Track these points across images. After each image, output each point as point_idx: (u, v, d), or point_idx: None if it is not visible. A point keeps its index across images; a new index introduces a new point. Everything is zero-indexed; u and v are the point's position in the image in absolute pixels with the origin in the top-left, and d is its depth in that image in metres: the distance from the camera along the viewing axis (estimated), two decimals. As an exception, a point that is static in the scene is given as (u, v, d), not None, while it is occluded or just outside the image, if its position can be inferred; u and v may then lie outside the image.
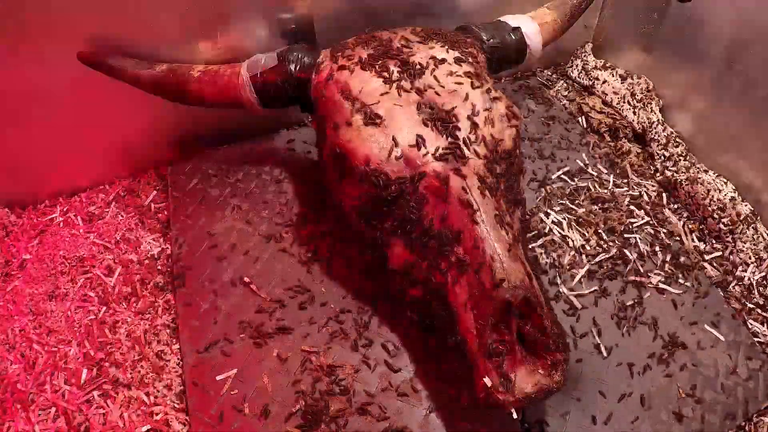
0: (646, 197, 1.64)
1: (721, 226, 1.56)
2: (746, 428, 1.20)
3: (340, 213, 1.29)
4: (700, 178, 1.65)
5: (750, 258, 1.50)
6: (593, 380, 1.21)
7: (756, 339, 1.34)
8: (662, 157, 1.78)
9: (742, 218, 1.55)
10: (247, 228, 1.47)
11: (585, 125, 1.91)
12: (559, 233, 1.49)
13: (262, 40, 1.56)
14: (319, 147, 1.37)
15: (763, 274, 1.47)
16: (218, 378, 1.19)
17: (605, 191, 1.62)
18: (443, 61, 1.21)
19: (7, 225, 1.54)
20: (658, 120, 1.84)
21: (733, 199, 1.60)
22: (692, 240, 1.56)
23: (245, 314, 1.30)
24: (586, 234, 1.50)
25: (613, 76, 1.98)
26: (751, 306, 1.42)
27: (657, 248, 1.48)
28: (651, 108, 1.86)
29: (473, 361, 0.98)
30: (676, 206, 1.66)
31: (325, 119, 1.23)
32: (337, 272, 1.38)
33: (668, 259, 1.46)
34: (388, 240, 1.15)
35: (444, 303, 1.06)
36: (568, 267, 1.42)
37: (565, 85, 2.07)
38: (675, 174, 1.70)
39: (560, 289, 1.37)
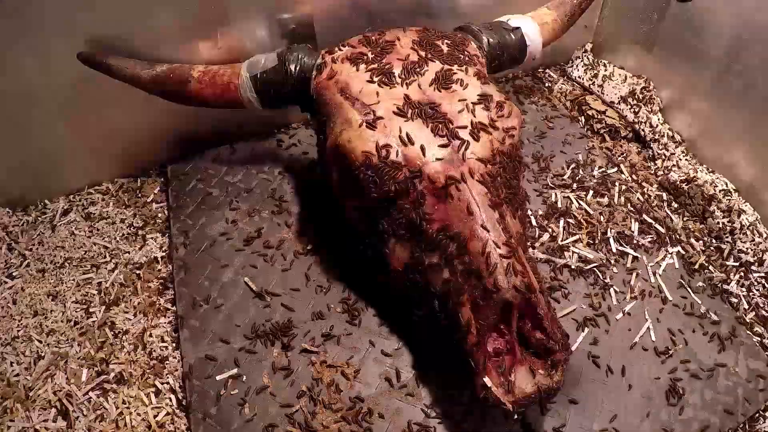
0: (646, 197, 1.64)
1: (721, 226, 1.56)
2: (746, 428, 1.20)
3: (340, 213, 1.29)
4: (700, 178, 1.65)
5: (750, 258, 1.50)
6: (593, 381, 1.21)
7: (756, 339, 1.34)
8: (662, 157, 1.78)
9: (742, 218, 1.55)
10: (247, 228, 1.47)
11: (585, 125, 1.91)
12: (559, 233, 1.49)
13: (262, 40, 1.56)
14: (319, 147, 1.36)
15: (763, 274, 1.47)
16: (218, 378, 1.19)
17: (605, 191, 1.62)
18: (443, 61, 1.21)
19: (7, 225, 1.54)
20: (658, 120, 1.84)
21: (733, 199, 1.60)
22: (692, 240, 1.56)
23: (245, 314, 1.30)
24: (586, 234, 1.50)
25: (612, 76, 1.99)
26: (752, 306, 1.42)
27: (657, 248, 1.48)
28: (651, 108, 1.86)
29: (473, 360, 0.98)
30: (676, 206, 1.66)
31: (325, 119, 1.22)
32: (338, 272, 1.38)
33: (668, 259, 1.46)
34: (388, 240, 1.15)
35: (444, 303, 1.06)
36: (567, 266, 1.42)
37: (565, 85, 2.07)
38: (675, 174, 1.70)
39: (559, 289, 1.37)
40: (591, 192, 1.61)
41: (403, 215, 1.10)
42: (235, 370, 1.20)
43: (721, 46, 1.60)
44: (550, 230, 1.50)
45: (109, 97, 1.47)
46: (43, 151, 1.52)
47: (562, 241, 1.47)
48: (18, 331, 1.32)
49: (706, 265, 1.49)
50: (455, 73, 1.19)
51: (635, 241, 1.49)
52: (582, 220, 1.53)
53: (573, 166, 1.69)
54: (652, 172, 1.77)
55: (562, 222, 1.52)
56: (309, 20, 1.59)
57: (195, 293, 1.34)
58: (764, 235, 1.53)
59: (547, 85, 2.06)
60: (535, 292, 0.98)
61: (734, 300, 1.43)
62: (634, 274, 1.41)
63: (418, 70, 1.18)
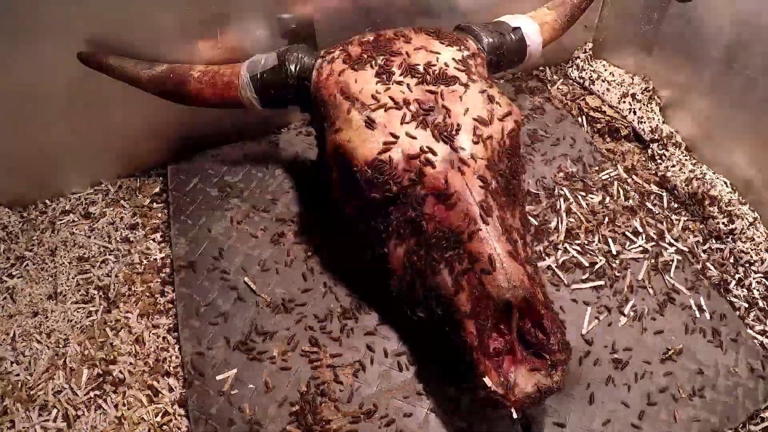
0: (645, 197, 1.64)
1: (721, 226, 1.56)
2: (746, 428, 1.20)
3: (340, 213, 1.29)
4: (700, 178, 1.65)
5: (750, 258, 1.50)
6: (593, 380, 1.21)
7: (756, 339, 1.34)
8: (662, 157, 1.78)
9: (741, 218, 1.55)
10: (247, 228, 1.47)
11: (585, 125, 1.91)
12: (559, 233, 1.49)
13: (262, 40, 1.56)
14: (319, 147, 1.37)
15: (763, 274, 1.47)
16: (218, 378, 1.19)
17: (605, 191, 1.62)
18: (443, 61, 1.21)
19: (7, 225, 1.54)
20: (658, 120, 1.84)
21: (733, 199, 1.60)
22: (692, 240, 1.56)
23: (245, 314, 1.30)
24: (586, 233, 1.50)
25: (613, 76, 1.99)
26: (751, 306, 1.42)
27: (656, 248, 1.48)
28: (651, 108, 1.86)
29: (473, 360, 0.98)
30: (676, 206, 1.66)
31: (324, 119, 1.23)
32: (338, 272, 1.38)
33: (668, 259, 1.46)
34: (388, 240, 1.15)
35: (444, 303, 1.06)
36: (567, 267, 1.42)
37: (565, 84, 2.07)
38: (675, 174, 1.70)
39: (559, 290, 1.37)
40: (591, 192, 1.61)
41: (403, 215, 1.10)
42: (234, 370, 1.20)
43: (721, 46, 1.60)
44: (549, 230, 1.50)
45: (109, 97, 1.47)
46: (43, 151, 1.52)
47: (561, 240, 1.47)
48: (18, 331, 1.32)
49: (706, 265, 1.49)
50: (455, 74, 1.19)
51: (635, 241, 1.49)
52: (582, 220, 1.53)
53: (573, 165, 1.69)
54: (652, 172, 1.77)
55: (561, 222, 1.52)
56: (309, 20, 1.59)
57: (195, 293, 1.34)
58: (764, 235, 1.53)
59: (547, 85, 2.06)
60: (536, 292, 0.98)
61: (734, 300, 1.43)
62: (634, 274, 1.41)
63: (417, 69, 1.18)
